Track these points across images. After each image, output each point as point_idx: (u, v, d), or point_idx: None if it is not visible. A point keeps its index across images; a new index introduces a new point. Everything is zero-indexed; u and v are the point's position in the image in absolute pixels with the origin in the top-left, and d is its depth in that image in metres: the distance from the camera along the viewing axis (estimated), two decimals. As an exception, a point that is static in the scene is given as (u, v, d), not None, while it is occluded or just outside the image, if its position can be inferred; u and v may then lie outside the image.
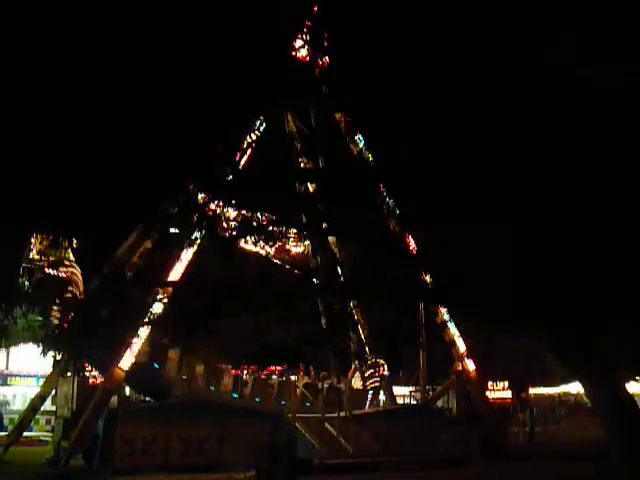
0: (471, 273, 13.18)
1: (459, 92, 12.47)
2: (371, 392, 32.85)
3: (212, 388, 29.75)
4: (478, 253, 12.81)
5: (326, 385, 32.02)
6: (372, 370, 33.63)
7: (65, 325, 22.98)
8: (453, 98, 12.60)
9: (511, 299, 12.90)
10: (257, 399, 30.23)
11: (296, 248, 27.99)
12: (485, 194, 12.33)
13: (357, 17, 14.59)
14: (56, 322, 24.77)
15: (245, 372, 31.15)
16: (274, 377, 31.35)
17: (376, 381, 33.41)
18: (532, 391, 52.16)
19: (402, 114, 13.77)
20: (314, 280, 22.99)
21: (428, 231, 14.92)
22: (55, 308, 26.73)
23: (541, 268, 12.13)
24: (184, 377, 28.94)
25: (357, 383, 33.04)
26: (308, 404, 30.52)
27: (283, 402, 30.00)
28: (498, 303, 13.11)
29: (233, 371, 30.89)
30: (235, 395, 30.17)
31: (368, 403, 32.33)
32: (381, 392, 34.09)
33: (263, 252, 21.23)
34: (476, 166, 12.24)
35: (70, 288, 31.95)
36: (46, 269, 32.04)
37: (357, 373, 33.07)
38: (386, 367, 34.18)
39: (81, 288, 32.61)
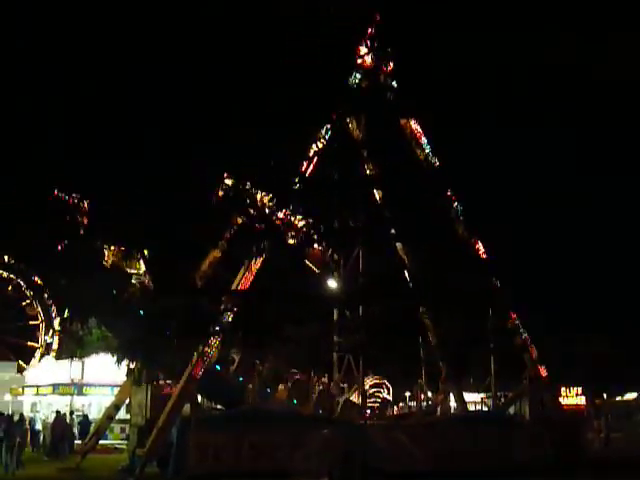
0: (540, 277, 13.04)
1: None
2: (369, 410, 33.39)
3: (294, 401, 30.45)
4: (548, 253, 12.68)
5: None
6: (375, 389, 34.09)
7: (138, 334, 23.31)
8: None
9: (584, 303, 12.73)
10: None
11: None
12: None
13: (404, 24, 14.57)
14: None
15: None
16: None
17: (376, 402, 33.89)
18: (607, 397, 50.95)
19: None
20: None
21: (497, 235, 14.80)
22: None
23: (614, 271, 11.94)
24: (240, 378, 29.31)
25: (357, 399, 33.45)
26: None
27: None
28: (570, 306, 12.94)
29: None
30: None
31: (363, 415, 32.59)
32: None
33: None
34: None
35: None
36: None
37: (357, 391, 33.55)
38: (390, 391, 34.93)
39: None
